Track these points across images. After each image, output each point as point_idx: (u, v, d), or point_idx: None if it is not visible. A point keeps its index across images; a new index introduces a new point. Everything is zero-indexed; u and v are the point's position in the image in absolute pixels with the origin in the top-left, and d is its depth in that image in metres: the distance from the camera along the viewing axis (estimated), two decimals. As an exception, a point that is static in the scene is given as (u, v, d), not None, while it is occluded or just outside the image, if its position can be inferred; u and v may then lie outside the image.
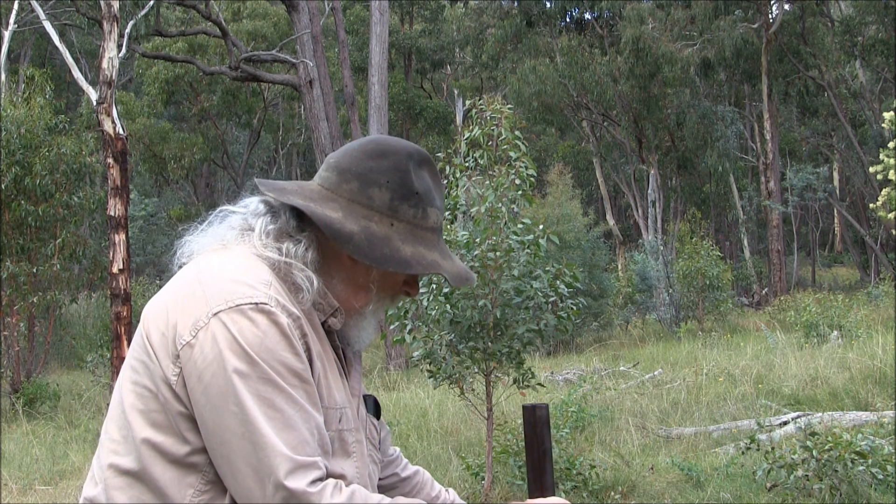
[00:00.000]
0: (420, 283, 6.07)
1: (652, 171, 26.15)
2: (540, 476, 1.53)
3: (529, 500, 1.50)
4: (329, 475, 1.28)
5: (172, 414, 1.27)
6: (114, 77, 11.68)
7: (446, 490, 1.68)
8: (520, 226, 5.72)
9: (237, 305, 1.26)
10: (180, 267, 1.42)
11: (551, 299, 5.69)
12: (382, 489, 1.62)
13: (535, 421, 1.54)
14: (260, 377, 1.23)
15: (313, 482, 1.23)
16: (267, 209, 1.43)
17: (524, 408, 1.56)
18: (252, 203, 1.45)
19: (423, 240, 1.42)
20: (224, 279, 1.30)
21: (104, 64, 11.70)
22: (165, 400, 1.27)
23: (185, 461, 1.27)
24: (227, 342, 1.24)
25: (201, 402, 1.24)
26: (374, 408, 1.57)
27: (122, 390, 1.33)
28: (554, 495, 1.52)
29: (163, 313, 1.31)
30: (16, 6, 17.93)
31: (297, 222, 1.41)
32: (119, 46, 12.22)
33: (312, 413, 1.27)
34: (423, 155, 1.46)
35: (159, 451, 1.27)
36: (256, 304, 1.27)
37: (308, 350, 1.31)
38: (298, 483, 1.21)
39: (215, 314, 1.26)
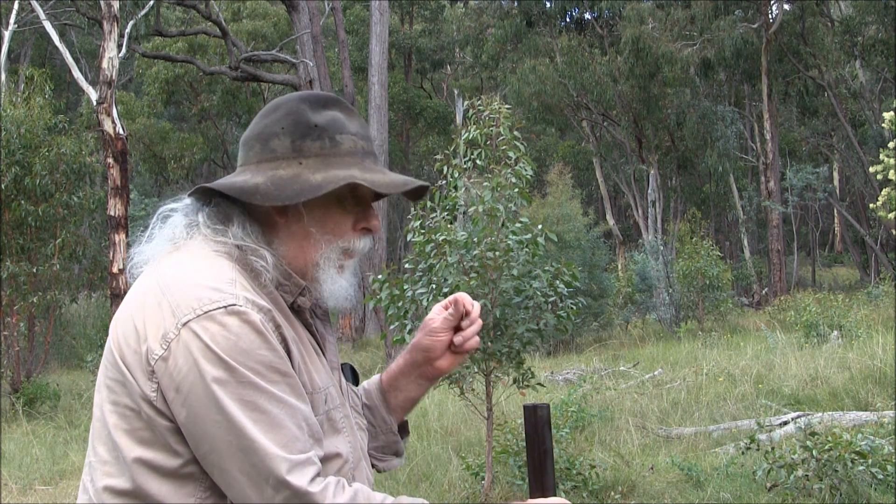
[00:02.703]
0: (420, 283, 6.04)
1: (652, 171, 26.15)
2: (541, 476, 1.52)
3: (530, 501, 1.49)
4: (325, 457, 1.28)
5: (159, 429, 1.25)
6: (114, 77, 11.68)
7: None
8: (518, 225, 5.72)
9: (206, 312, 1.23)
10: (135, 278, 1.39)
11: (551, 299, 5.69)
12: None
13: (537, 421, 1.54)
14: (239, 381, 1.21)
15: (313, 480, 1.22)
16: (200, 201, 1.42)
17: (525, 408, 1.56)
18: (187, 200, 1.44)
19: (339, 164, 1.37)
20: (188, 286, 1.27)
21: (104, 64, 11.70)
22: (149, 417, 1.25)
23: (180, 473, 1.25)
24: (200, 351, 1.21)
25: (183, 414, 1.22)
26: (353, 375, 1.55)
27: (104, 411, 1.30)
28: (555, 496, 1.51)
29: (132, 330, 1.28)
30: (16, 6, 17.94)
31: (226, 206, 1.39)
32: (119, 46, 12.23)
33: (298, 406, 1.25)
34: (321, 96, 1.42)
35: (152, 468, 1.25)
36: (225, 306, 1.24)
37: (284, 341, 1.29)
38: (300, 481, 1.20)
39: (185, 324, 1.23)
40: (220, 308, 1.24)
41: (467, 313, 1.56)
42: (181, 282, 1.28)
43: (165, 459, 1.25)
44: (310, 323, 1.41)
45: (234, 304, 1.24)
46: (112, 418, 1.28)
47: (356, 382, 1.57)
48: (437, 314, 1.60)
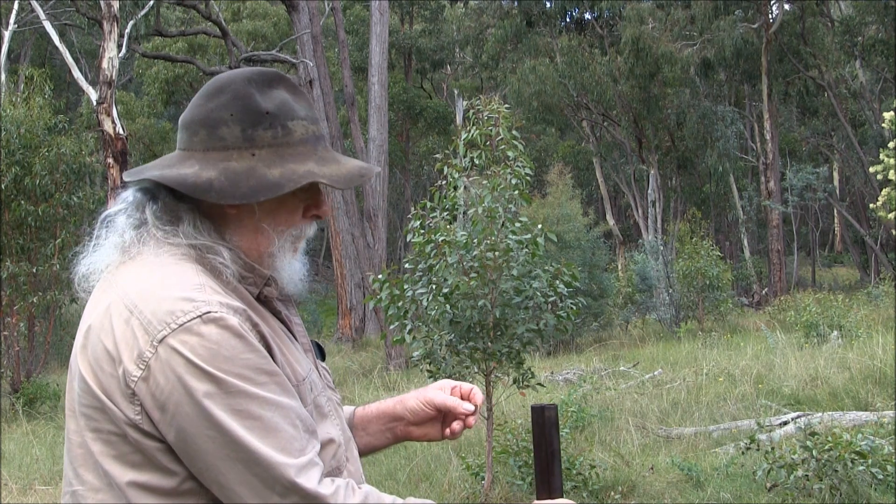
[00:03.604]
0: (420, 283, 6.03)
1: (652, 171, 26.16)
2: (548, 477, 1.51)
3: (536, 502, 1.47)
4: (321, 445, 1.26)
5: (149, 452, 1.19)
6: (114, 77, 11.69)
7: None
8: (518, 225, 5.72)
9: (181, 325, 1.17)
10: (88, 293, 1.32)
11: (551, 299, 5.69)
12: None
13: (544, 422, 1.53)
14: (227, 392, 1.16)
15: (321, 481, 1.20)
16: (145, 196, 1.33)
17: (533, 408, 1.54)
18: (129, 195, 1.35)
19: (293, 156, 1.31)
20: (155, 299, 1.20)
21: (104, 64, 11.70)
22: (136, 440, 1.19)
23: (179, 490, 1.21)
24: (182, 367, 1.16)
25: (172, 433, 1.17)
26: (320, 352, 1.50)
27: (85, 439, 1.23)
28: (562, 497, 1.49)
29: (103, 353, 1.21)
30: (16, 6, 17.95)
31: (173, 198, 1.31)
32: (119, 46, 12.23)
33: (289, 404, 1.22)
34: (267, 74, 1.34)
35: (148, 490, 1.20)
36: (200, 315, 1.18)
37: (263, 338, 1.24)
38: (309, 483, 1.18)
39: (161, 340, 1.17)
40: (195, 318, 1.18)
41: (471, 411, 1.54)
42: (148, 296, 1.21)
43: (161, 480, 1.20)
44: (278, 311, 1.36)
45: (210, 312, 1.19)
46: (96, 446, 1.22)
47: (323, 358, 1.52)
48: (442, 390, 1.56)
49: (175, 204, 1.31)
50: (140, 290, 1.23)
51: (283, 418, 1.20)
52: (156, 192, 1.32)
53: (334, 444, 1.33)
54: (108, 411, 1.20)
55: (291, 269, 1.37)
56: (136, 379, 1.17)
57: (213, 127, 1.30)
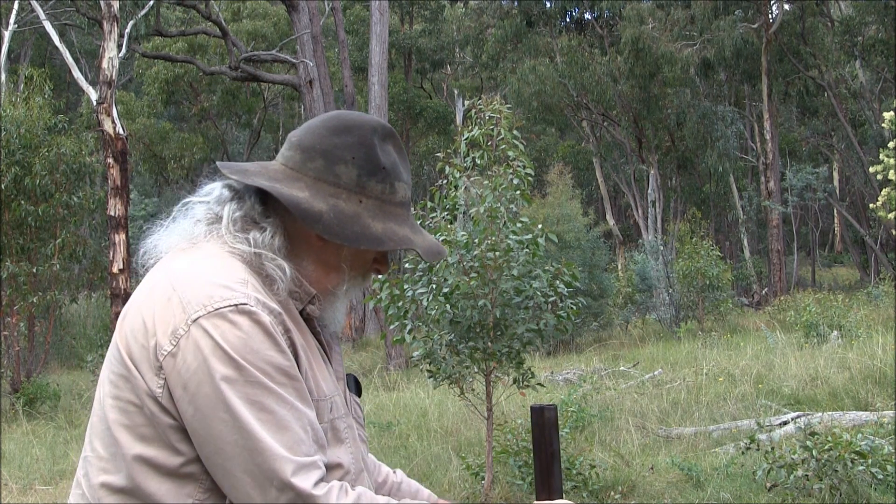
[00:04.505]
0: (420, 283, 6.04)
1: (652, 171, 26.16)
2: (548, 478, 1.51)
3: (536, 503, 1.49)
4: (327, 466, 1.27)
5: (161, 427, 1.23)
6: (114, 77, 11.68)
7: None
8: (518, 225, 5.72)
9: (217, 309, 1.22)
10: (146, 269, 1.38)
11: (551, 299, 5.69)
12: None
13: (544, 423, 1.53)
14: (247, 381, 1.20)
15: (317, 483, 1.21)
16: (231, 194, 1.38)
17: (532, 409, 1.55)
18: (215, 189, 1.41)
19: (393, 215, 1.39)
20: (199, 283, 1.26)
21: (104, 64, 11.70)
22: (152, 413, 1.23)
23: (180, 472, 1.23)
24: (210, 348, 1.20)
25: (189, 412, 1.20)
26: (356, 386, 1.55)
27: (104, 406, 1.28)
28: (562, 498, 1.50)
29: (140, 325, 1.26)
30: (16, 6, 17.95)
31: (262, 206, 1.37)
32: (119, 46, 12.23)
33: (304, 410, 1.25)
34: (387, 129, 1.42)
35: (152, 466, 1.23)
36: (236, 305, 1.23)
37: (293, 345, 1.29)
38: (304, 483, 1.19)
39: (195, 321, 1.21)
40: (230, 306, 1.23)
41: None
42: (193, 278, 1.27)
43: (166, 457, 1.23)
44: (318, 331, 1.41)
45: (246, 304, 1.23)
46: (113, 413, 1.26)
47: (359, 393, 1.56)
48: None
49: (262, 212, 1.37)
50: (187, 273, 1.28)
51: (296, 420, 1.23)
52: (244, 194, 1.38)
53: (342, 470, 1.34)
54: (133, 380, 1.24)
55: (341, 309, 1.46)
56: (165, 353, 1.22)
57: (333, 162, 1.36)
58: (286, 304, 1.33)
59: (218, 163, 1.40)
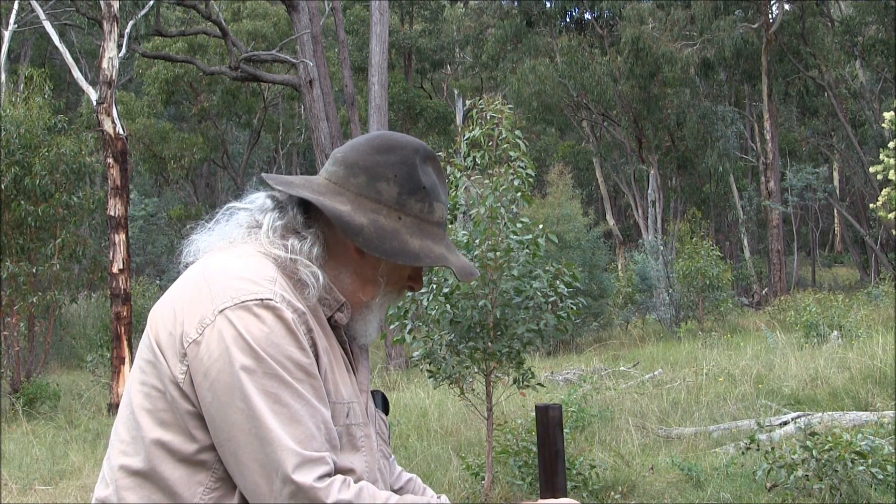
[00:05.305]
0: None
1: (652, 171, 26.15)
2: (552, 477, 1.52)
3: (540, 502, 1.50)
4: (337, 470, 1.28)
5: (180, 412, 1.28)
6: (114, 77, 11.68)
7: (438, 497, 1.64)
8: (519, 225, 5.72)
9: (243, 302, 1.27)
10: (186, 266, 1.43)
11: (551, 299, 5.69)
12: None
13: (548, 422, 1.54)
14: (266, 373, 1.24)
15: (321, 477, 1.23)
16: (274, 204, 1.44)
17: (537, 408, 1.56)
18: (259, 198, 1.47)
19: (430, 234, 1.44)
20: (229, 276, 1.32)
21: (104, 64, 11.70)
22: (173, 399, 1.28)
23: (194, 459, 1.28)
24: (233, 339, 1.25)
25: (208, 398, 1.25)
26: (383, 404, 1.58)
27: (131, 392, 1.34)
28: (566, 497, 1.52)
29: (170, 313, 1.32)
30: (16, 6, 17.95)
31: (304, 217, 1.43)
32: (119, 46, 12.22)
33: (319, 408, 1.28)
34: (428, 151, 1.48)
35: (168, 451, 1.28)
36: (262, 300, 1.28)
37: (314, 345, 1.33)
38: (306, 477, 1.21)
39: (221, 311, 1.27)
40: (256, 300, 1.28)
41: None
42: (223, 272, 1.33)
43: (182, 443, 1.28)
44: (345, 340, 1.45)
45: (271, 300, 1.28)
46: (137, 398, 1.31)
47: (386, 411, 1.58)
48: None
49: (303, 223, 1.42)
50: (220, 268, 1.35)
51: (309, 416, 1.26)
52: (286, 205, 1.44)
53: (353, 475, 1.34)
54: (159, 365, 1.30)
55: (374, 323, 1.50)
56: (190, 341, 1.27)
57: (375, 178, 1.41)
58: (315, 310, 1.37)
59: (263, 174, 1.46)
